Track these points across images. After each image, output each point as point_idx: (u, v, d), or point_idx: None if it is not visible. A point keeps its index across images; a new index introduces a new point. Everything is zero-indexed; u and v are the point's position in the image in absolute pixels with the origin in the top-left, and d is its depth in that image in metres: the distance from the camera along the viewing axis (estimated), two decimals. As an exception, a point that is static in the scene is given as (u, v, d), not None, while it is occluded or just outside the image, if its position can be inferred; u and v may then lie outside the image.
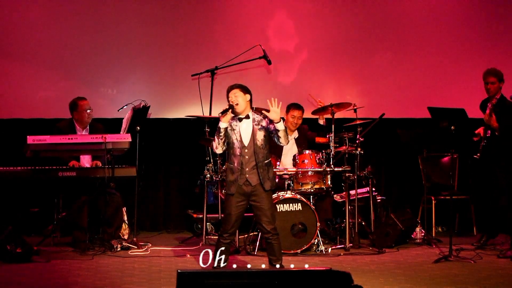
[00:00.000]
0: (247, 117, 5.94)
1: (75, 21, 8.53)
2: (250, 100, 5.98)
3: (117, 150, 7.00)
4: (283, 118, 7.42)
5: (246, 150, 5.90)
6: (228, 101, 5.94)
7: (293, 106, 7.95)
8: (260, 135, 5.92)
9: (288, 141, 5.99)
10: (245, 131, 5.92)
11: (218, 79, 8.14)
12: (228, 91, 5.98)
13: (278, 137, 5.87)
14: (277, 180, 7.46)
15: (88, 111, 7.52)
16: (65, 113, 7.68)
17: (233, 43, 8.54)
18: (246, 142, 5.91)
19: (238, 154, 5.91)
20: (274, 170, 7.31)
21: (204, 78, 8.06)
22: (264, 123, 5.92)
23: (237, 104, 5.89)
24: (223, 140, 5.91)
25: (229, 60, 8.02)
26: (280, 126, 5.83)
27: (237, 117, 5.95)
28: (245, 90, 5.97)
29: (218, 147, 5.94)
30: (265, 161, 5.94)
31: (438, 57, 8.90)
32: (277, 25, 8.83)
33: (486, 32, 8.93)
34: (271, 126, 5.88)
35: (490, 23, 8.94)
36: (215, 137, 5.94)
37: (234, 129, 5.93)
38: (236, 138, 5.91)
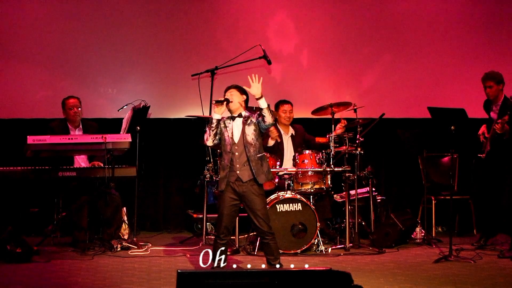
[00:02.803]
0: (240, 115, 6.04)
1: (75, 21, 8.53)
2: (246, 101, 6.12)
3: (117, 150, 7.01)
4: (276, 120, 7.46)
5: (236, 147, 5.99)
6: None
7: (282, 102, 8.06)
8: (250, 130, 5.99)
9: (274, 119, 5.99)
10: (236, 129, 6.03)
11: (218, 79, 8.13)
12: (225, 90, 6.13)
13: (263, 116, 5.91)
14: (276, 180, 7.50)
15: (75, 109, 7.51)
16: (65, 113, 7.70)
17: (233, 43, 8.54)
18: (236, 139, 6.01)
19: (229, 151, 6.01)
20: (274, 170, 7.37)
21: (204, 78, 8.05)
22: (253, 118, 6.01)
23: (231, 102, 6.00)
24: (214, 131, 6.02)
25: (229, 60, 8.01)
26: (263, 103, 5.90)
27: (231, 115, 6.07)
28: (242, 91, 6.10)
29: (209, 138, 6.06)
30: (258, 155, 6.01)
31: (438, 57, 8.89)
32: (277, 25, 8.83)
33: (486, 32, 8.92)
34: (260, 118, 5.95)
35: (490, 23, 8.93)
36: (207, 128, 6.06)
37: (227, 127, 6.04)
38: (228, 135, 6.02)
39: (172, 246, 7.65)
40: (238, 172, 5.97)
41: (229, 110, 6.08)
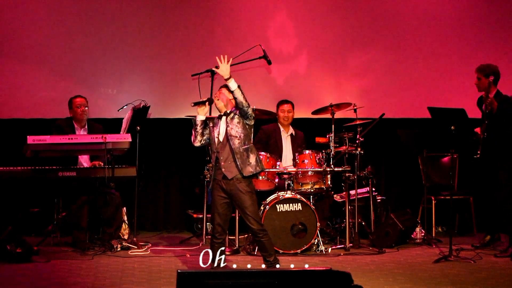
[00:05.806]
0: (225, 113, 6.06)
1: (75, 21, 8.54)
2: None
3: (117, 150, 7.01)
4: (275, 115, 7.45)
5: (220, 145, 6.02)
6: None
7: (281, 102, 8.09)
8: (234, 123, 6.00)
9: (248, 103, 5.91)
10: (223, 127, 6.06)
11: (218, 79, 8.05)
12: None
13: (235, 98, 5.90)
14: (276, 180, 7.50)
15: (82, 107, 7.52)
16: (65, 113, 7.69)
17: (233, 43, 8.53)
18: (221, 137, 6.04)
19: (214, 150, 6.06)
20: (274, 170, 7.37)
21: (204, 78, 8.02)
22: (236, 111, 6.01)
23: (218, 100, 6.05)
24: (200, 132, 6.09)
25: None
26: (232, 84, 5.89)
27: (219, 115, 6.10)
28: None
29: (196, 140, 6.14)
30: (243, 147, 6.00)
31: (438, 57, 8.89)
32: (277, 25, 8.83)
33: (487, 32, 8.92)
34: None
35: (490, 23, 8.93)
36: (192, 130, 6.09)
37: (214, 127, 6.06)
38: (214, 135, 6.06)
39: (172, 246, 7.65)
40: (223, 169, 5.98)
41: (218, 110, 6.12)
